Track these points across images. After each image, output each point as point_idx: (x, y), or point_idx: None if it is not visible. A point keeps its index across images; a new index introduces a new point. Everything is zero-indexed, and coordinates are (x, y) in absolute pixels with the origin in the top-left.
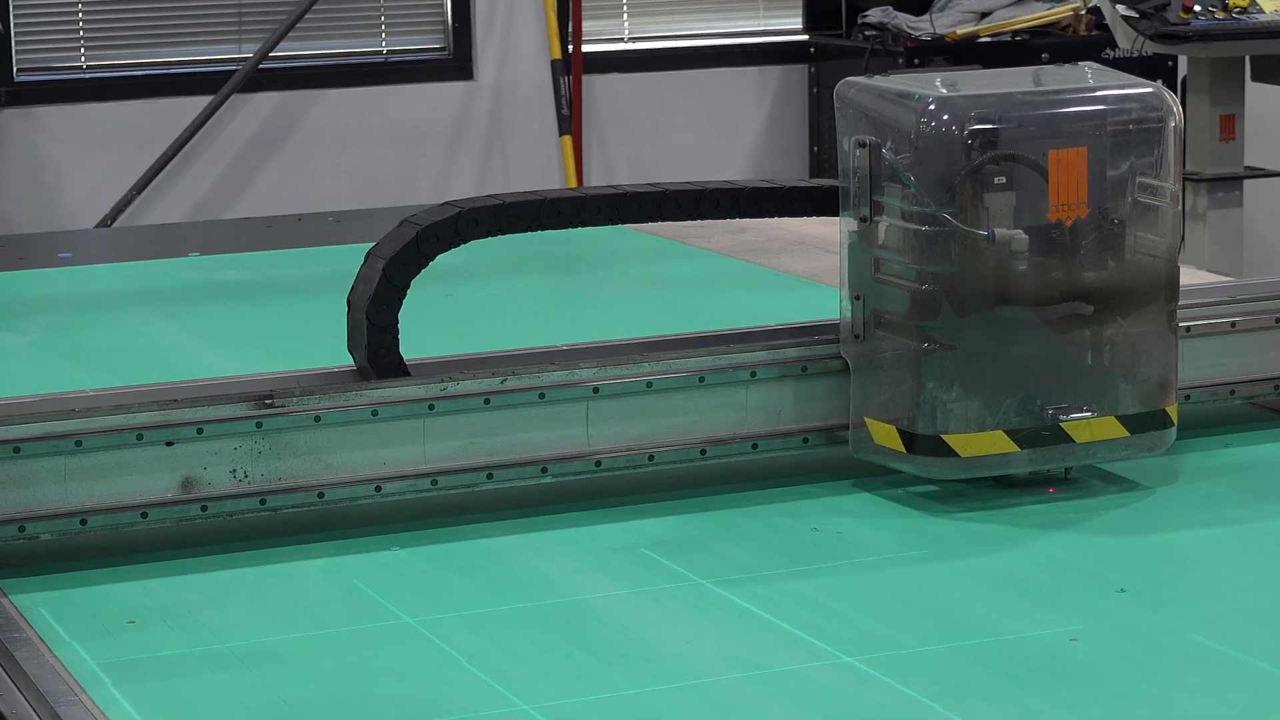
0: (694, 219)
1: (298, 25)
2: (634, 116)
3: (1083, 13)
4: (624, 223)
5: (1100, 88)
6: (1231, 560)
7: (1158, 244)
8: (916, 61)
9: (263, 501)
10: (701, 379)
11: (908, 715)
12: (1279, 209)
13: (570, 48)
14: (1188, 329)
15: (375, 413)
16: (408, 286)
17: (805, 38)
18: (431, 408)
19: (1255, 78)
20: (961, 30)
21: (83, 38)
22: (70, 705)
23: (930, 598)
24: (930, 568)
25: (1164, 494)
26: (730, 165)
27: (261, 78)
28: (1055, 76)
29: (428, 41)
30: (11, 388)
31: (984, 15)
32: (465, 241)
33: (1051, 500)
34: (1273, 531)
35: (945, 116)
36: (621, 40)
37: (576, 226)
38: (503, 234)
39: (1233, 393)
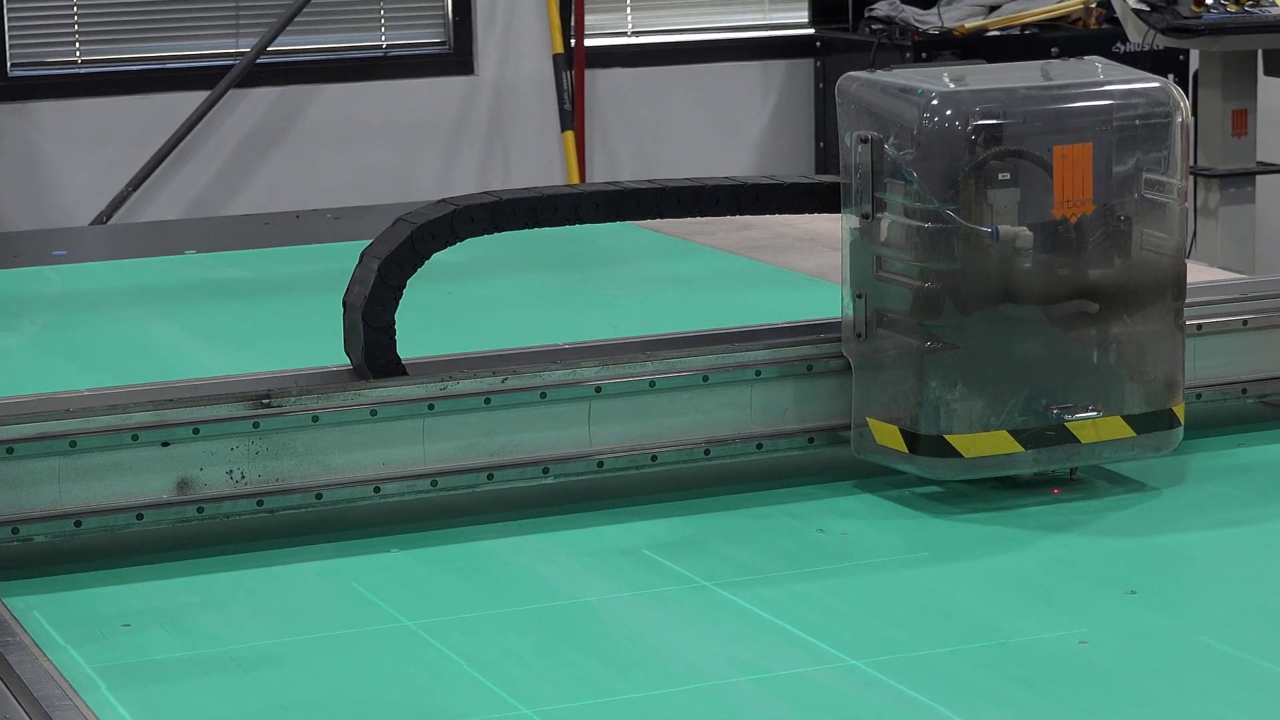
0: (693, 216)
1: (296, 19)
2: (637, 112)
3: (1093, 6)
4: (622, 219)
5: (1106, 82)
6: (1240, 562)
7: (1165, 241)
8: (924, 56)
9: (260, 503)
10: (705, 378)
11: (915, 719)
12: None
13: (572, 42)
14: (1199, 327)
15: (374, 413)
16: (404, 286)
17: (811, 31)
18: (431, 407)
19: (1268, 72)
20: (970, 24)
21: (78, 32)
22: (64, 710)
23: (936, 600)
24: (935, 569)
25: (1171, 495)
26: (735, 161)
27: (259, 72)
28: (1062, 71)
29: (428, 35)
30: (5, 388)
31: (992, 9)
32: (461, 240)
33: (1056, 501)
34: None
35: (948, 112)
36: (624, 34)
37: (574, 224)
38: (499, 231)
39: (1244, 391)
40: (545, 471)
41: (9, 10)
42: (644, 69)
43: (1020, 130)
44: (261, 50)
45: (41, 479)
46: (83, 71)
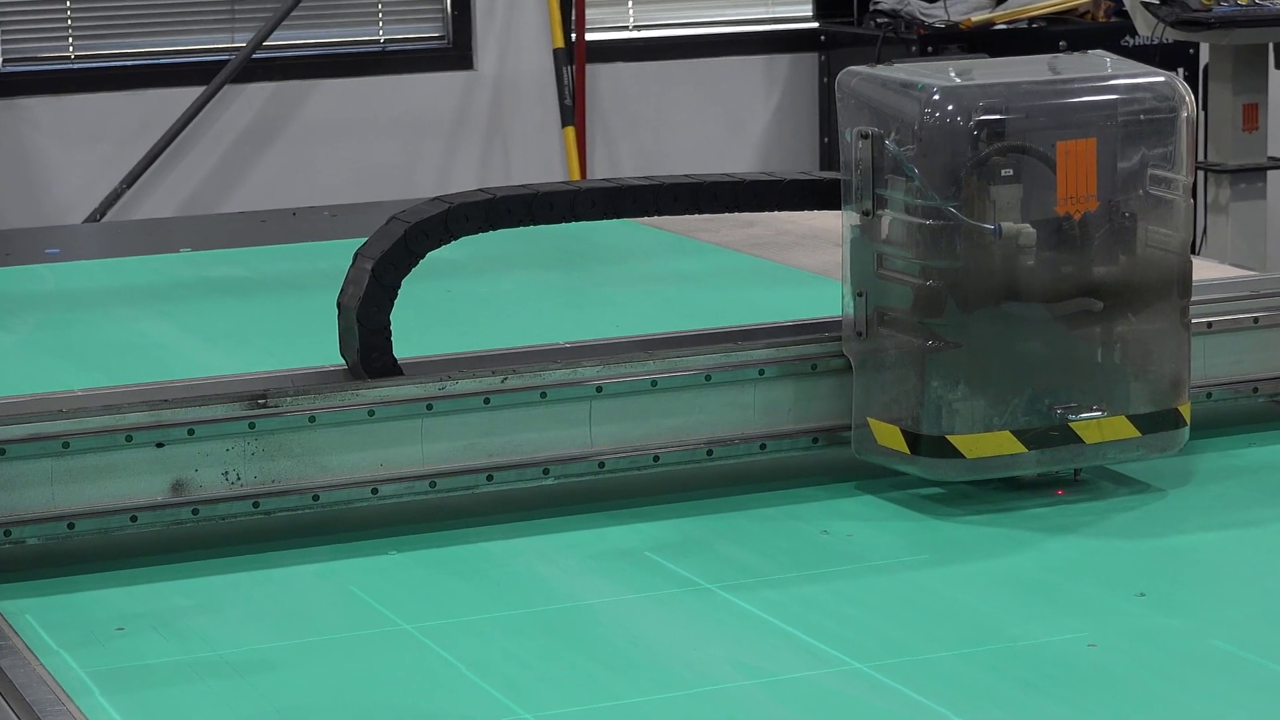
0: (691, 213)
1: (292, 13)
2: (639, 107)
3: None
4: (619, 217)
5: (1110, 77)
6: (1249, 563)
7: (1170, 238)
8: (930, 49)
9: (256, 504)
10: (708, 377)
11: None
12: None
13: (573, 36)
14: (1209, 325)
15: (372, 413)
16: (398, 287)
17: (816, 25)
18: (430, 407)
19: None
20: (976, 17)
21: (70, 27)
22: (57, 715)
23: (942, 602)
24: (940, 571)
25: (1177, 496)
26: (738, 157)
27: (255, 68)
28: (1069, 65)
29: (426, 30)
30: None
31: (999, 1)
32: (456, 238)
33: (1060, 503)
34: None
35: (950, 107)
36: (626, 28)
37: (570, 221)
38: (494, 229)
39: (1256, 390)
40: (545, 472)
41: (0, 5)
42: (646, 64)
43: (1023, 125)
44: (257, 45)
45: (34, 480)
46: (76, 67)
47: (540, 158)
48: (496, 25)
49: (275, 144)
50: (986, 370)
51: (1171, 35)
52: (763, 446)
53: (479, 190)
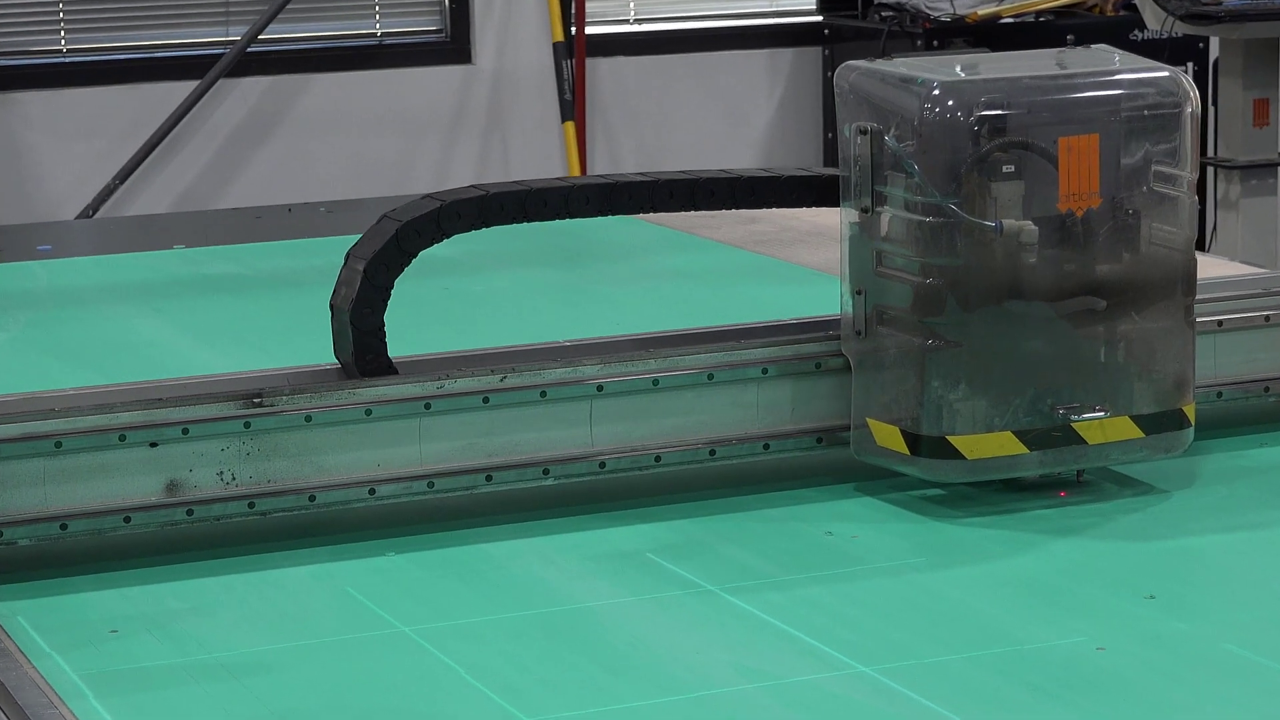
0: (688, 209)
1: (288, 7)
2: (640, 102)
3: None
4: (614, 214)
5: (1114, 71)
6: (1258, 565)
7: (1174, 235)
8: (935, 44)
9: (251, 505)
10: (710, 376)
11: None
12: None
13: (573, 30)
14: (1219, 323)
15: (369, 412)
16: (391, 287)
17: (819, 19)
18: (428, 407)
19: None
20: (983, 10)
21: (63, 20)
22: (50, 718)
23: (948, 605)
24: (945, 574)
25: (1182, 497)
26: (740, 153)
27: (250, 62)
28: (1073, 60)
29: (424, 23)
30: None
31: None
32: (449, 236)
33: (1063, 504)
34: None
35: (950, 102)
36: (627, 22)
37: (564, 218)
38: (487, 226)
39: (1267, 389)
40: (545, 473)
41: None
42: (647, 58)
43: (1025, 121)
44: (252, 39)
45: (26, 480)
46: (68, 61)
47: (540, 153)
48: (495, 19)
49: (271, 139)
50: (987, 370)
51: (1181, 29)
52: (766, 446)
53: (472, 187)
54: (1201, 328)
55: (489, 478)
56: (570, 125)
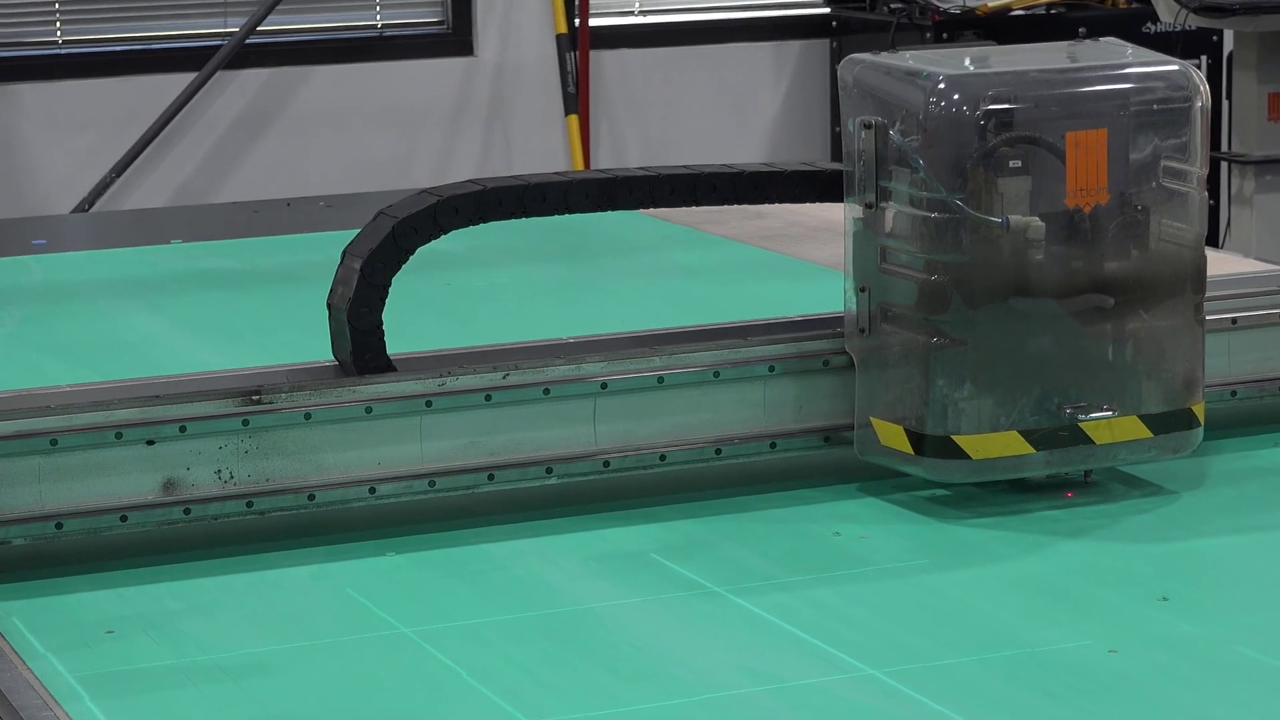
0: (689, 205)
1: None
2: (644, 95)
3: None
4: (613, 208)
5: (1122, 65)
6: (1271, 567)
7: (1184, 232)
8: (945, 36)
9: (250, 504)
10: (716, 374)
11: None
12: None
13: (577, 21)
14: (1234, 320)
15: (369, 410)
16: (389, 285)
17: (827, 10)
18: (429, 404)
19: None
20: (993, 3)
21: (58, 11)
22: None
23: (956, 606)
24: (953, 575)
25: (1191, 498)
26: (746, 146)
27: (248, 54)
28: (1086, 53)
29: (425, 15)
30: None
31: None
32: (446, 232)
33: (1070, 505)
34: None
35: (956, 96)
36: (631, 13)
37: (563, 213)
38: (485, 222)
39: None
40: (548, 471)
41: None
42: (652, 49)
43: (1032, 115)
44: (251, 30)
45: (21, 479)
46: (64, 52)
47: (543, 147)
48: (497, 10)
49: (269, 132)
50: (993, 368)
51: (1194, 22)
52: (772, 445)
53: (469, 181)
54: (1215, 325)
55: (491, 477)
56: (574, 119)
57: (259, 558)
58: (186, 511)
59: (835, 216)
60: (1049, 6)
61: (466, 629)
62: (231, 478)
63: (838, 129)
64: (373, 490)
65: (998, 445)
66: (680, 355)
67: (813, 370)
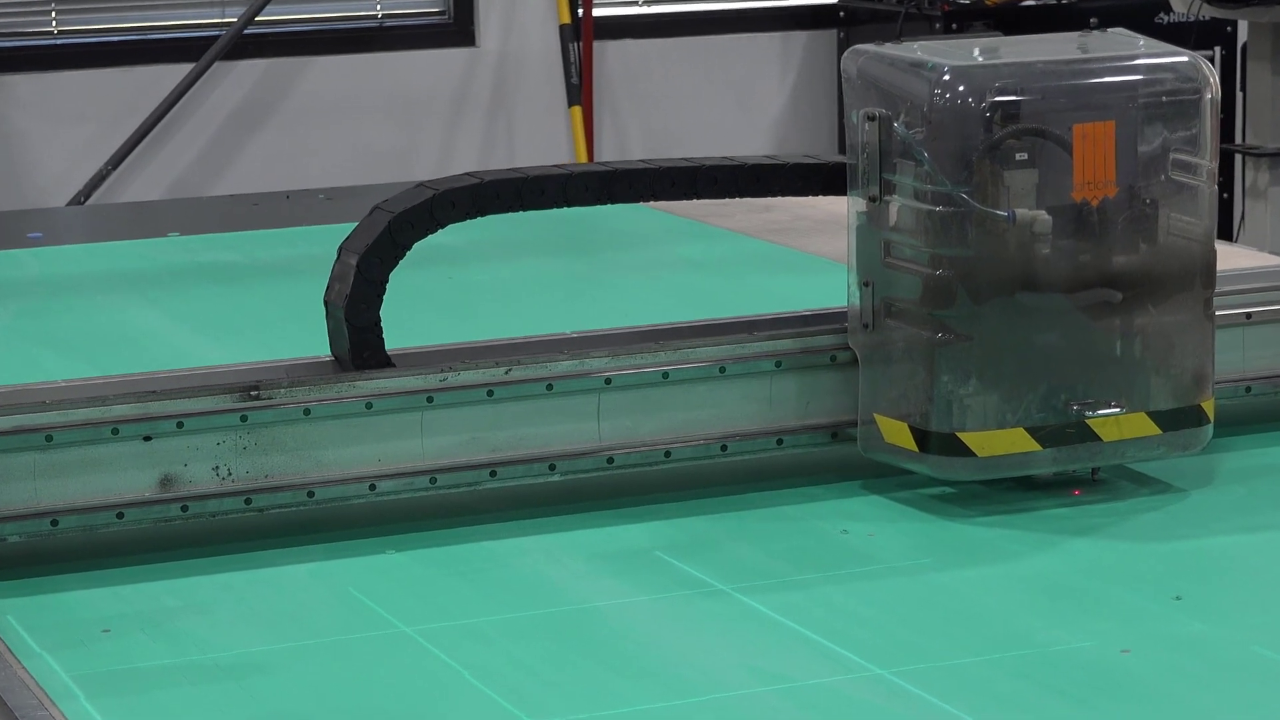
0: (690, 198)
1: None
2: (649, 86)
3: None
4: (612, 201)
5: (1131, 56)
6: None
7: (1193, 226)
8: (954, 27)
9: (248, 501)
10: (722, 369)
11: None
12: None
13: (580, 11)
14: (1248, 315)
15: (369, 405)
16: (386, 281)
17: (834, 1)
18: (430, 400)
19: None
20: None
21: (54, 0)
22: None
23: (966, 605)
24: (962, 574)
25: (1200, 496)
26: (752, 139)
27: (247, 44)
28: (1097, 44)
29: (426, 4)
30: None
31: None
32: (443, 226)
33: (1078, 503)
34: None
35: (961, 87)
36: (635, 3)
37: (562, 206)
38: (482, 215)
39: None
40: (552, 468)
41: None
42: (656, 40)
43: (1038, 107)
44: (249, 20)
45: (16, 475)
46: (59, 43)
47: (545, 139)
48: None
49: (268, 124)
50: (999, 364)
51: (1208, 12)
52: (779, 442)
53: (466, 175)
54: (1229, 320)
55: (493, 473)
56: (577, 110)
57: (258, 555)
58: (184, 508)
59: (843, 210)
60: None
61: (468, 628)
62: (230, 474)
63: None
64: (373, 487)
65: (1004, 442)
66: (686, 350)
67: (820, 366)
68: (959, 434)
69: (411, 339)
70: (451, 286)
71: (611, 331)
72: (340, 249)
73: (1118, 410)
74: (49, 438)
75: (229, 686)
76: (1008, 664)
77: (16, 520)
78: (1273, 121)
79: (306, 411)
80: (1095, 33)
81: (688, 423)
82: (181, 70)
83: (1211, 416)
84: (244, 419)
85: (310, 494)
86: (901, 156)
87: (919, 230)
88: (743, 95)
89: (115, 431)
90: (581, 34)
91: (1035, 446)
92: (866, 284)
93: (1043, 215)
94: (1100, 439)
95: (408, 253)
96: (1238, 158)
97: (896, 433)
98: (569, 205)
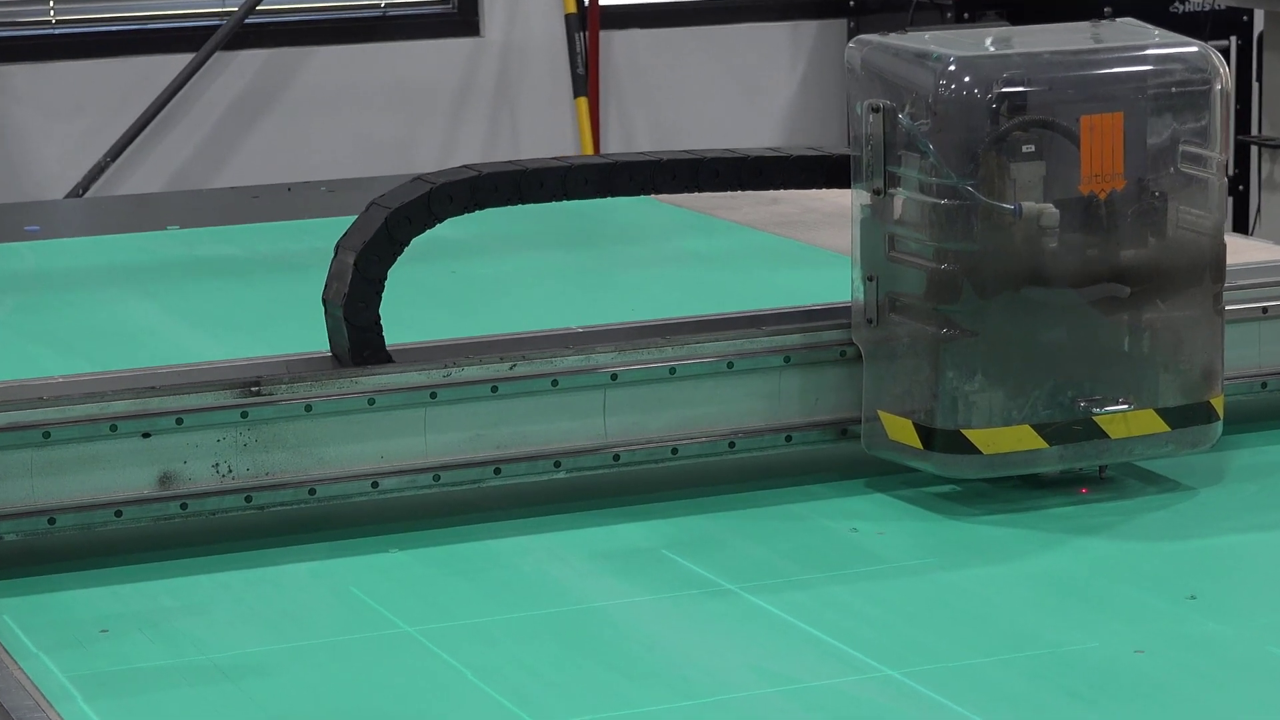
0: (691, 191)
1: None
2: (655, 76)
3: None
4: (614, 195)
5: (1139, 47)
6: None
7: (1203, 219)
8: (966, 16)
9: (248, 499)
10: (730, 364)
11: None
12: None
13: (586, 1)
14: (1264, 310)
15: (372, 401)
16: (384, 278)
17: None
18: (434, 396)
19: None
20: None
21: None
22: None
23: (976, 605)
24: (971, 573)
25: (1210, 494)
26: (761, 130)
27: (248, 33)
28: (1105, 34)
29: None
30: None
31: None
32: (441, 221)
33: (1085, 502)
34: None
35: (967, 78)
36: None
37: (561, 200)
38: (480, 209)
39: None
40: (557, 465)
41: None
42: (663, 30)
43: (1045, 98)
44: (250, 9)
45: (12, 472)
46: (57, 32)
47: (551, 131)
48: None
49: (269, 115)
50: (1005, 360)
51: (1224, 1)
52: (788, 438)
53: (464, 167)
54: (1245, 315)
55: (497, 470)
56: (583, 101)
57: (258, 554)
58: (183, 506)
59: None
60: None
61: (472, 628)
62: (230, 472)
63: None
64: (375, 484)
65: (1009, 440)
66: (693, 345)
67: (829, 361)
68: (964, 431)
69: (414, 334)
70: (455, 281)
71: (617, 326)
72: (337, 246)
73: (1126, 407)
74: (46, 434)
75: (228, 688)
76: (1019, 664)
77: (13, 518)
78: None
79: (308, 408)
80: (1107, 22)
81: (695, 419)
82: (181, 60)
83: (1221, 413)
84: (244, 415)
85: (311, 492)
86: (906, 149)
87: (924, 224)
88: (751, 86)
89: (114, 428)
90: (587, 23)
91: (1042, 444)
92: (870, 278)
93: (1050, 208)
94: (1108, 436)
95: (406, 248)
96: (1254, 149)
97: (901, 430)
98: (568, 198)
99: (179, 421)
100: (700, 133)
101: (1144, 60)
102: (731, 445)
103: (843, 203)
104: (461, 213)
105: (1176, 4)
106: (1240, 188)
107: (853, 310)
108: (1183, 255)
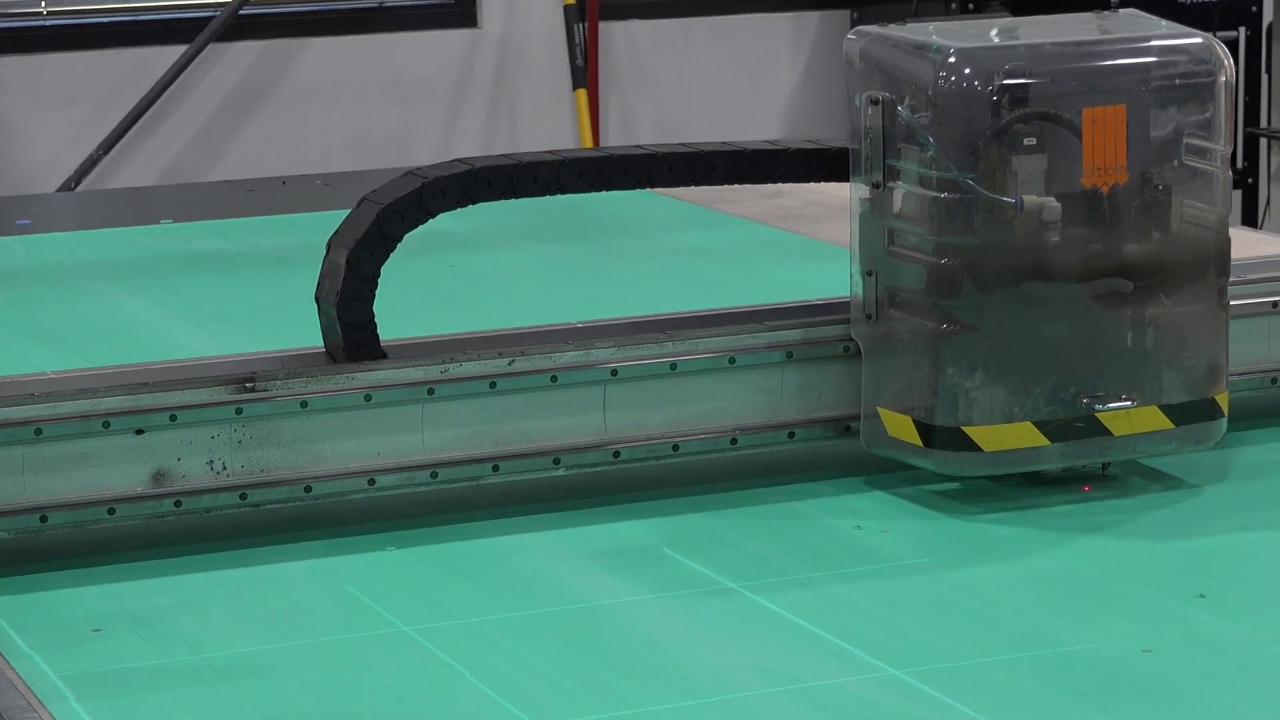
0: (687, 184)
1: None
2: (656, 68)
3: None
4: (608, 189)
5: (1142, 38)
6: None
7: (1207, 213)
8: (971, 7)
9: (243, 496)
10: (732, 360)
11: None
12: None
13: None
14: (1274, 304)
15: (368, 398)
16: (378, 275)
17: None
18: (431, 392)
19: None
20: None
21: None
22: None
23: (981, 604)
24: (974, 571)
25: (1214, 492)
26: (763, 122)
27: (242, 25)
28: (1106, 25)
29: None
30: None
31: None
32: (434, 216)
33: (1088, 500)
34: None
35: (967, 70)
36: None
37: (555, 194)
38: (473, 204)
39: None
40: (556, 462)
41: None
42: (664, 21)
43: (1047, 91)
44: (245, 0)
45: (4, 469)
46: (48, 24)
47: (550, 122)
48: None
49: (263, 107)
50: (1006, 356)
51: None
52: (791, 435)
53: (456, 161)
54: (1254, 310)
55: (496, 468)
56: (582, 93)
57: (253, 552)
58: (177, 504)
59: None
60: None
61: (470, 627)
62: (224, 469)
63: None
64: (372, 482)
65: (1011, 437)
66: (694, 340)
67: (833, 356)
68: (965, 428)
69: (412, 329)
70: (453, 275)
71: (617, 321)
72: (329, 244)
73: (1129, 404)
74: (38, 431)
75: (222, 688)
76: (1025, 664)
77: (5, 516)
78: None
79: (303, 404)
80: (1110, 13)
81: (696, 415)
82: (175, 52)
83: (1225, 410)
84: (239, 412)
85: (307, 489)
86: (906, 141)
87: (924, 218)
88: (753, 77)
89: (106, 425)
90: (586, 14)
91: (1043, 441)
92: (870, 273)
93: (1051, 202)
94: (1110, 433)
95: (399, 244)
96: (1263, 142)
97: (900, 427)
98: (562, 192)
99: (172, 418)
100: (701, 125)
101: (1147, 52)
102: (734, 441)
103: (846, 195)
104: (454, 207)
105: None
106: (1250, 181)
107: (851, 306)
108: (1186, 249)
